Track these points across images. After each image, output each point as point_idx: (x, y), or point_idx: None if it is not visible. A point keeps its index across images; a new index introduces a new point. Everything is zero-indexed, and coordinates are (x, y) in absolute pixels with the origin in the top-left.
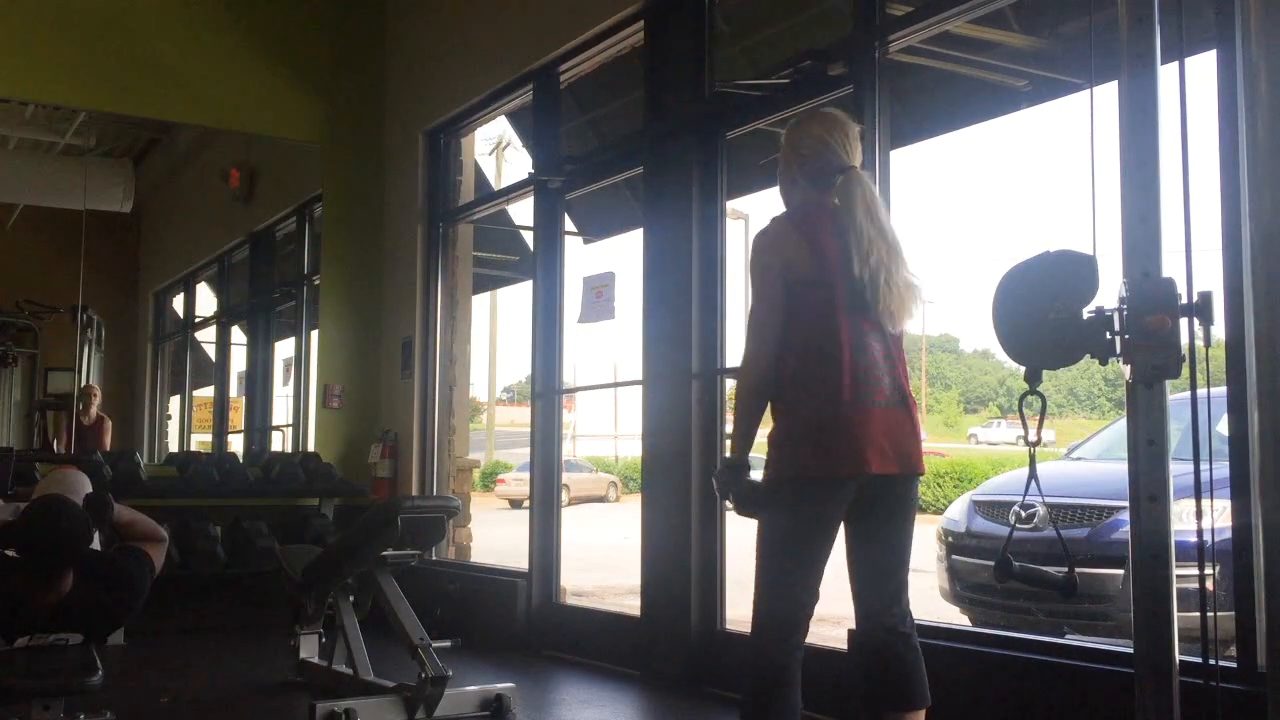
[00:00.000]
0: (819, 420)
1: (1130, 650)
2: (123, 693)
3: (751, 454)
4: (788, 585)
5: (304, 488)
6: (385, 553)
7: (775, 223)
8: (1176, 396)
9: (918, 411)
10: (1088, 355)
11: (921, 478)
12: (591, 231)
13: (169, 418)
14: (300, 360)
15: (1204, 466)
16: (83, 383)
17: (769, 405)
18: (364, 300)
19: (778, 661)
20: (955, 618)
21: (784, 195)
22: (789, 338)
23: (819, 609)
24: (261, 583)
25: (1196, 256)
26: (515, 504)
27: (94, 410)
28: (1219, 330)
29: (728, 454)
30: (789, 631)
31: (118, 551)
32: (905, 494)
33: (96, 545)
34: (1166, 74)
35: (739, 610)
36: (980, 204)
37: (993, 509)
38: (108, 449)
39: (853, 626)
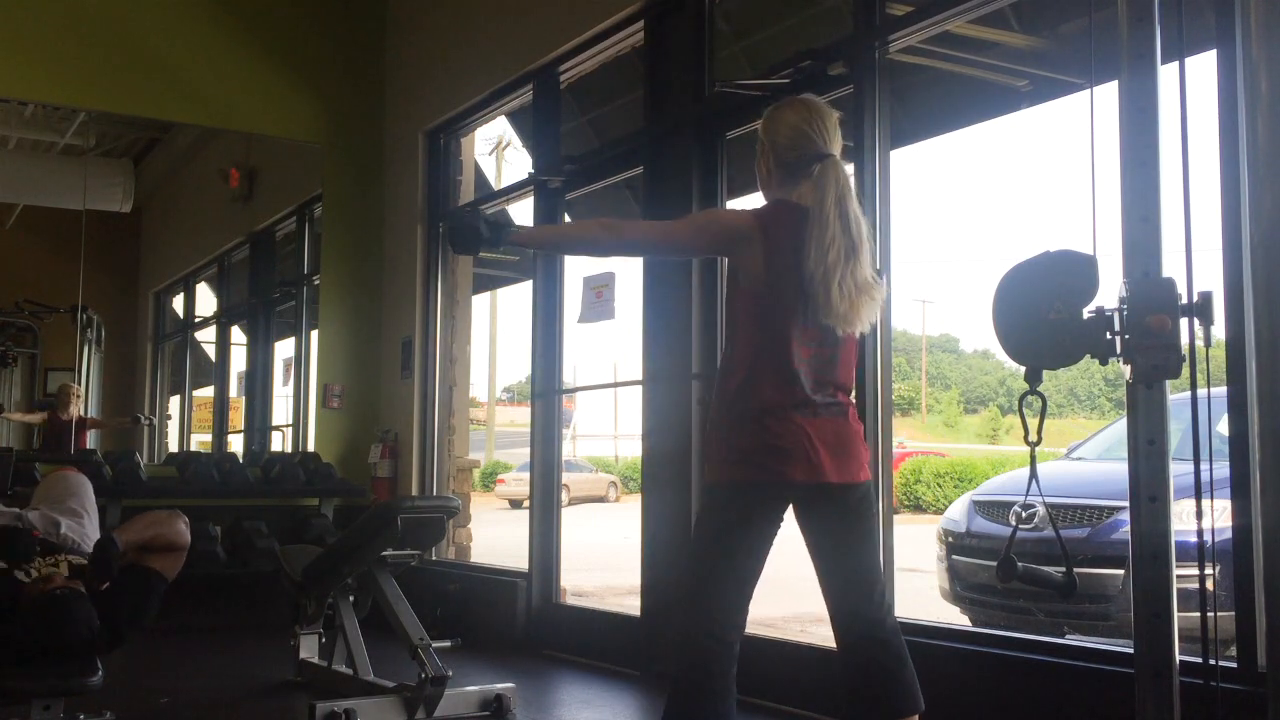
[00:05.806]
0: (753, 428)
1: (1130, 650)
2: (123, 693)
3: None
4: (715, 582)
5: (304, 488)
6: (385, 553)
7: (745, 214)
8: (1176, 396)
9: (858, 420)
10: (1088, 355)
11: (868, 484)
12: None
13: (169, 418)
14: (300, 360)
15: (1204, 466)
16: (82, 382)
17: (715, 409)
18: (364, 300)
19: (709, 652)
20: (955, 618)
21: (761, 190)
22: (737, 347)
23: (818, 610)
24: (261, 583)
25: (1196, 256)
26: (515, 504)
27: (72, 409)
28: (1219, 330)
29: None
30: (719, 623)
31: (127, 572)
32: (855, 503)
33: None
34: (1166, 74)
35: None
36: (980, 204)
37: (993, 509)
38: (86, 447)
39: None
